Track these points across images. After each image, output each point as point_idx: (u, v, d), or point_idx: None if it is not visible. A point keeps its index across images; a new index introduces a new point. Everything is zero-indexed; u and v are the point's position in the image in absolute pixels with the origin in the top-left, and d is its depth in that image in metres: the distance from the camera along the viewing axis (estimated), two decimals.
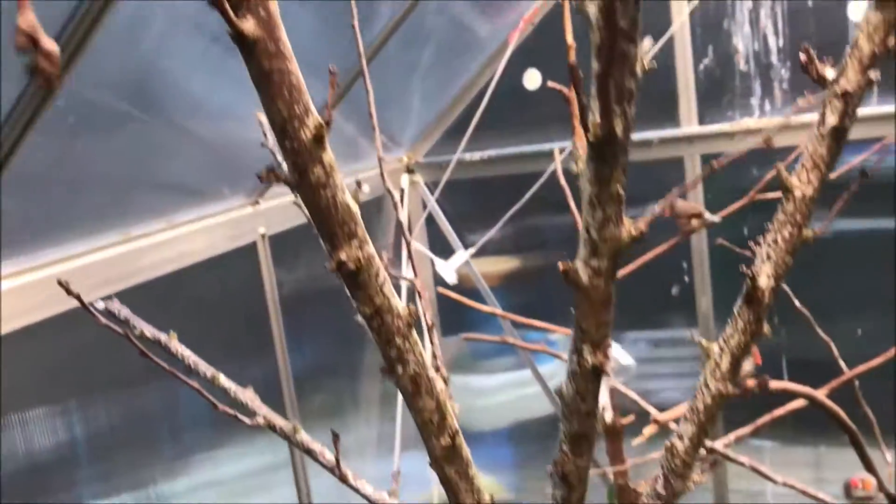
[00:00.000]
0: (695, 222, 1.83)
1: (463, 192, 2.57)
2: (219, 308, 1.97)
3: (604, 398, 1.91)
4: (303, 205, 0.61)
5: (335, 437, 0.86)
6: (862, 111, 2.03)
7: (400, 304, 0.65)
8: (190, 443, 1.97)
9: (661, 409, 2.85)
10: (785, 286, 1.87)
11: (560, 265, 0.51)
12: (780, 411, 1.80)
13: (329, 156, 0.59)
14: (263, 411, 0.90)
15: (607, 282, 0.51)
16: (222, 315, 1.98)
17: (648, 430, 1.43)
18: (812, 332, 1.78)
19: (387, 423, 2.66)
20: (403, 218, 1.16)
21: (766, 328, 0.66)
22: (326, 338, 2.44)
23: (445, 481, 0.71)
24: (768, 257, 0.64)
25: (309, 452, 0.89)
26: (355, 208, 0.61)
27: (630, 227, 0.50)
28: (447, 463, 0.70)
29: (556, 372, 2.85)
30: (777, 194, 1.86)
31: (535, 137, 2.40)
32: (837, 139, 0.60)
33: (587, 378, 0.54)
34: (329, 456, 0.88)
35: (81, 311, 0.94)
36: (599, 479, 2.15)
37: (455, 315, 2.85)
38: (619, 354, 1.83)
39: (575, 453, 0.59)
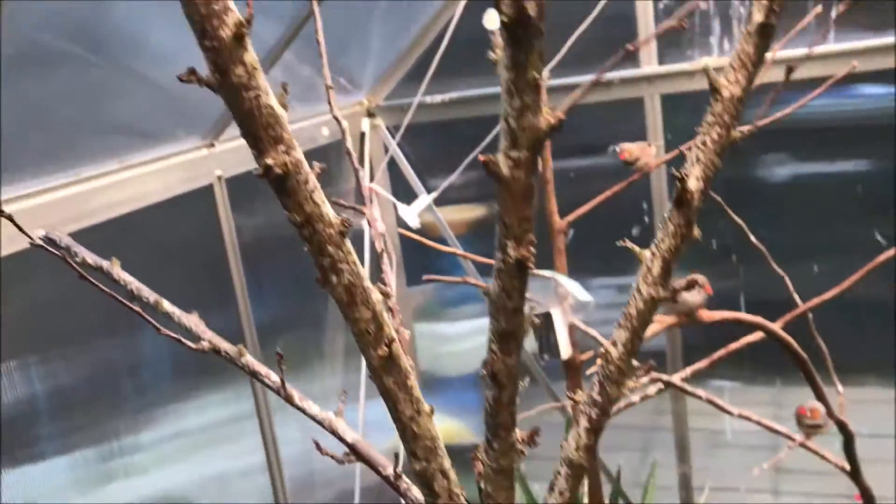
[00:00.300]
0: (648, 160, 1.84)
1: (426, 136, 2.55)
2: (176, 253, 1.96)
3: (564, 335, 1.93)
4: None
5: (279, 357, 0.86)
6: (817, 49, 2.03)
7: (331, 211, 0.65)
8: (153, 396, 1.97)
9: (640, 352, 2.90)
10: (742, 223, 1.89)
11: (480, 157, 0.51)
12: (735, 345, 1.84)
13: (251, 56, 0.58)
14: (208, 335, 0.90)
15: (528, 174, 0.51)
16: (179, 261, 1.96)
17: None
18: (770, 272, 1.81)
19: (352, 372, 2.67)
20: (349, 144, 1.15)
21: (696, 232, 0.66)
22: (290, 286, 2.43)
23: (384, 392, 0.72)
24: (697, 160, 0.64)
25: (254, 375, 0.89)
26: (281, 112, 0.60)
27: (548, 115, 0.49)
28: (385, 373, 0.70)
29: None
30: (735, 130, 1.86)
31: (498, 79, 2.38)
32: (764, 36, 0.60)
33: (512, 273, 0.55)
34: (275, 378, 0.88)
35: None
36: (560, 414, 2.19)
37: (421, 265, 2.86)
38: (577, 291, 1.85)
39: (503, 352, 0.60)
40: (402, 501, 0.89)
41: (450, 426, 3.01)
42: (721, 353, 1.86)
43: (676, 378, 1.87)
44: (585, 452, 0.75)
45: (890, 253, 1.66)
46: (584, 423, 0.75)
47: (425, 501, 0.77)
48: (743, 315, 1.57)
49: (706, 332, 2.61)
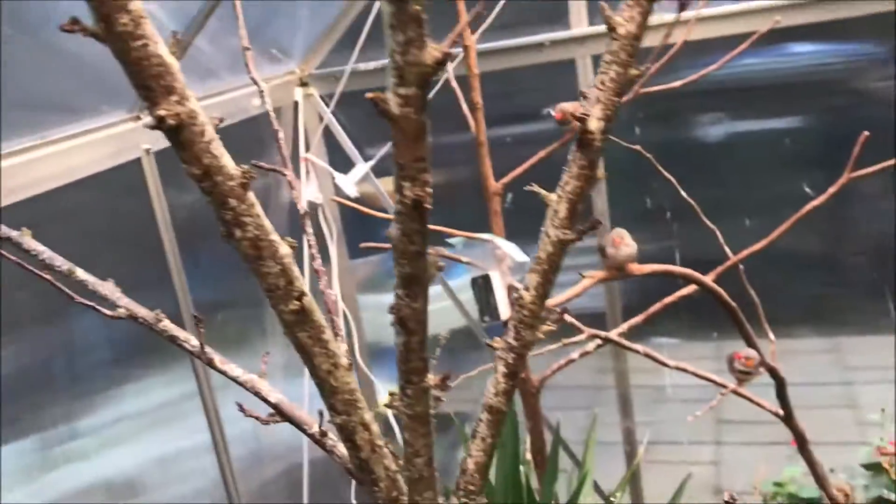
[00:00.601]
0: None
1: (362, 104, 2.51)
2: (107, 231, 1.91)
3: (503, 296, 1.95)
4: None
5: (198, 321, 0.84)
6: (738, 6, 2.05)
7: (231, 163, 0.64)
8: (95, 380, 1.93)
9: (581, 313, 2.94)
10: (672, 180, 1.91)
11: (368, 95, 0.50)
12: (670, 299, 1.87)
13: (137, 5, 0.56)
14: (124, 302, 0.88)
15: (418, 111, 0.51)
16: (111, 239, 1.92)
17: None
18: (705, 229, 1.85)
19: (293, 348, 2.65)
20: (270, 108, 1.13)
21: (600, 173, 0.67)
22: (230, 262, 2.39)
23: (299, 347, 0.71)
24: (598, 100, 0.65)
25: (173, 340, 0.88)
26: (172, 61, 0.59)
27: (434, 50, 0.49)
28: (298, 328, 0.70)
29: (466, 286, 2.90)
30: (662, 87, 1.86)
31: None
32: None
33: (410, 215, 0.54)
34: (194, 342, 0.87)
35: None
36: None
37: (364, 237, 2.84)
38: (514, 252, 1.86)
39: (409, 296, 0.60)
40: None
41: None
42: (657, 307, 1.90)
43: (614, 334, 1.90)
44: (504, 397, 0.76)
45: (814, 203, 1.71)
46: (501, 368, 0.76)
47: (349, 455, 0.77)
48: (673, 268, 1.60)
49: (644, 291, 2.66)
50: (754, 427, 2.61)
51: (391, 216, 1.69)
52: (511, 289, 1.93)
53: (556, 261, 0.70)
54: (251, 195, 0.65)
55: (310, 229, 1.04)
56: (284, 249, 0.67)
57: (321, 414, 0.84)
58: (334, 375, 0.72)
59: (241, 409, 0.87)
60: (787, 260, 2.72)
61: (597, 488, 2.43)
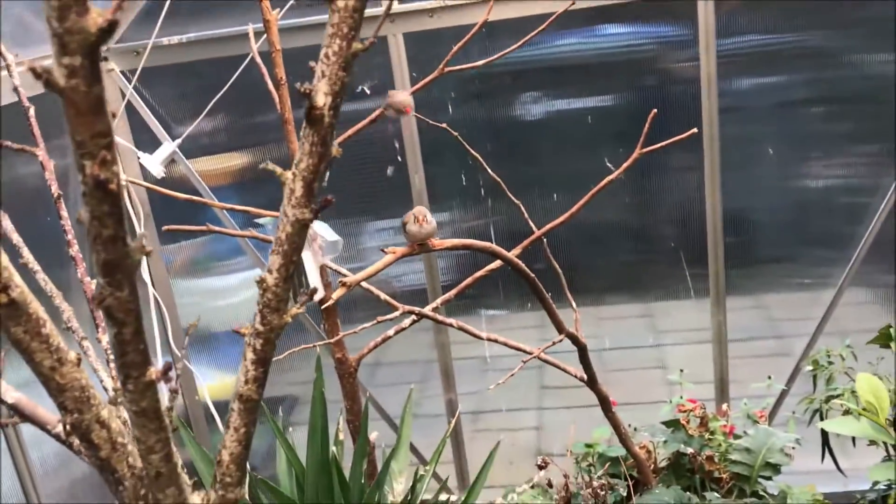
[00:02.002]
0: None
1: (167, 80, 2.39)
2: None
3: (315, 276, 1.91)
4: None
5: None
6: None
7: None
8: None
9: (406, 291, 2.93)
10: (479, 158, 1.93)
11: (27, 66, 0.46)
12: (480, 273, 1.91)
13: None
14: None
15: (89, 83, 0.46)
16: None
17: (338, 293, 1.46)
18: (517, 206, 1.89)
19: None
20: (21, 88, 1.04)
21: (335, 150, 0.65)
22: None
23: (15, 343, 0.65)
24: (323, 74, 0.63)
25: None
26: None
27: (97, 16, 0.45)
28: (11, 322, 0.64)
29: None
30: (464, 67, 1.87)
31: (240, 19, 2.27)
32: None
33: (97, 196, 0.50)
34: None
35: None
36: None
37: (182, 220, 2.72)
38: (324, 232, 1.83)
39: (112, 285, 0.55)
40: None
41: (225, 382, 2.94)
42: (467, 281, 1.93)
43: (428, 310, 1.92)
44: (255, 384, 0.74)
45: (609, 177, 1.78)
46: (250, 355, 0.73)
47: (86, 455, 0.72)
48: (473, 242, 1.62)
49: (462, 268, 2.72)
50: (573, 391, 2.73)
51: (187, 196, 1.60)
52: (323, 268, 1.90)
53: (296, 241, 0.68)
54: None
55: (65, 213, 0.96)
56: None
57: (62, 412, 0.78)
58: (59, 372, 0.67)
59: None
60: (602, 230, 2.86)
61: (416, 455, 2.46)
